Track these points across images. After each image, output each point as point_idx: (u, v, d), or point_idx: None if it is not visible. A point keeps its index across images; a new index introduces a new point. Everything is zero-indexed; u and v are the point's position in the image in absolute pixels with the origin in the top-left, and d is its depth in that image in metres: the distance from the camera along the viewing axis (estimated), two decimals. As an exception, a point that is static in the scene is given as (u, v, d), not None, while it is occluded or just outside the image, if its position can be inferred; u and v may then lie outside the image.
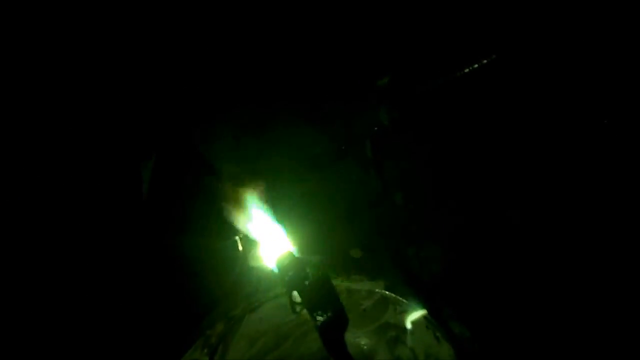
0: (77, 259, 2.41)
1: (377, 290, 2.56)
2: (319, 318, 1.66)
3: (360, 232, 2.79)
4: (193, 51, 2.63)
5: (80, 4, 2.40)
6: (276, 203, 2.36)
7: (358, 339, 2.58)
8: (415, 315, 2.27)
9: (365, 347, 2.58)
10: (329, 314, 1.66)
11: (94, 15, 2.42)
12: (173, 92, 2.61)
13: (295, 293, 1.77)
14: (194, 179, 2.51)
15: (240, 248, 2.09)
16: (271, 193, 2.42)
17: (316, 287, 1.71)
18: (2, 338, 2.23)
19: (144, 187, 2.46)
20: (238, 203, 1.95)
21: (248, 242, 2.06)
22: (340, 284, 2.56)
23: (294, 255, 1.85)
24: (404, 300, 2.51)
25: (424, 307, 2.34)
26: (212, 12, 2.60)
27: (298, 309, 1.76)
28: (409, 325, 2.25)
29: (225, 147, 2.57)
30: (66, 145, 2.54)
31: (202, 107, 2.64)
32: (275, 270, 1.85)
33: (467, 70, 2.75)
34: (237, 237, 2.09)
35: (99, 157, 2.51)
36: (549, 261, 2.46)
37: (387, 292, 2.53)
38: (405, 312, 2.51)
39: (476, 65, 2.72)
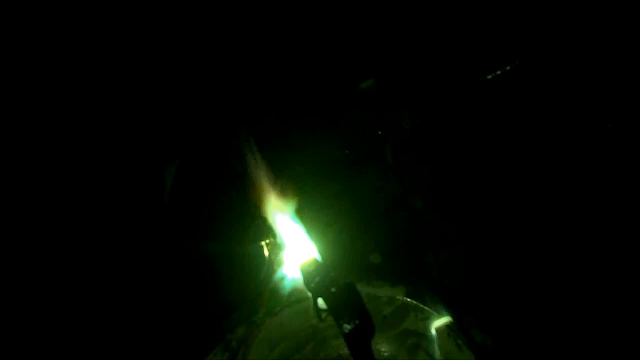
0: (100, 261, 2.43)
1: (398, 296, 2.55)
2: (346, 326, 1.65)
3: (380, 238, 2.78)
4: (219, 62, 2.66)
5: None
6: (298, 209, 2.37)
7: (378, 345, 2.57)
8: (438, 322, 2.26)
9: (385, 353, 2.57)
10: (356, 322, 1.65)
11: (124, 21, 2.46)
12: (197, 98, 2.63)
13: (320, 300, 1.77)
14: (219, 184, 2.52)
15: (267, 253, 2.10)
16: (294, 199, 2.44)
17: (342, 294, 1.72)
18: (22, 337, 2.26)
19: (166, 191, 2.48)
20: (264, 209, 1.96)
21: (274, 247, 2.07)
22: (360, 289, 2.55)
23: (319, 262, 1.86)
24: (425, 307, 2.50)
25: (446, 314, 2.33)
26: (236, 28, 2.64)
27: (323, 315, 1.76)
28: (432, 332, 2.23)
29: (248, 152, 2.58)
30: (90, 148, 2.57)
31: (226, 113, 2.66)
32: (301, 277, 1.86)
33: (489, 76, 2.75)
34: (263, 242, 2.10)
35: (124, 160, 2.53)
36: (573, 268, 2.44)
37: (408, 299, 2.52)
38: (426, 319, 2.50)
39: (499, 72, 2.72)
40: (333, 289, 1.71)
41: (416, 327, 2.57)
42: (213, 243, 2.40)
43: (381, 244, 2.75)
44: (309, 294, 1.92)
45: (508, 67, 2.74)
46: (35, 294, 2.38)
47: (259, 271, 2.33)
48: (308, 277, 1.79)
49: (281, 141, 2.71)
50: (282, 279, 2.32)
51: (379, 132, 2.89)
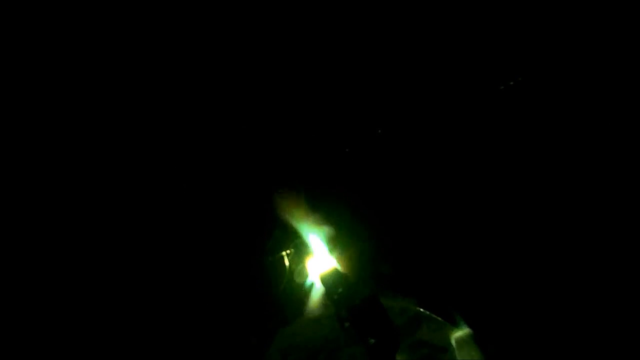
0: (109, 264, 2.43)
1: (410, 307, 2.56)
2: (370, 340, 1.65)
3: (391, 248, 2.78)
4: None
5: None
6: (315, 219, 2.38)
7: (391, 355, 2.58)
8: (458, 333, 2.27)
9: (398, 364, 2.58)
10: (380, 335, 1.65)
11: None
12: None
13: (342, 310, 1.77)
14: (239, 194, 2.53)
15: (287, 263, 2.11)
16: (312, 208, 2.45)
17: (366, 307, 1.71)
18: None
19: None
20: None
21: (295, 258, 2.07)
22: (373, 300, 2.56)
23: (341, 272, 1.86)
24: (438, 318, 2.51)
25: (460, 325, 2.35)
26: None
27: (346, 325, 1.76)
28: (452, 343, 2.25)
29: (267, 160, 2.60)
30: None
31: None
32: (322, 287, 1.86)
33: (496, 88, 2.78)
34: (284, 253, 2.10)
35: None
36: (584, 279, 2.45)
37: (420, 309, 2.54)
38: (439, 329, 2.51)
39: (502, 87, 2.75)
40: (358, 301, 1.71)
41: (429, 338, 2.58)
42: (232, 252, 2.40)
43: (392, 255, 2.75)
44: (329, 304, 1.92)
45: (511, 83, 2.78)
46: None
47: (279, 281, 2.32)
48: (331, 288, 1.79)
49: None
50: (299, 288, 2.32)
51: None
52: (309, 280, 2.13)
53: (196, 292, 2.41)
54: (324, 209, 2.59)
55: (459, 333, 2.29)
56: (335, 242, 2.34)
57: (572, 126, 2.76)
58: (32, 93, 2.49)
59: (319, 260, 2.07)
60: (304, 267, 2.05)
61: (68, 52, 2.45)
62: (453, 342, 2.28)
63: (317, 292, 2.01)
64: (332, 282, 1.81)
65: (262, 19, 2.75)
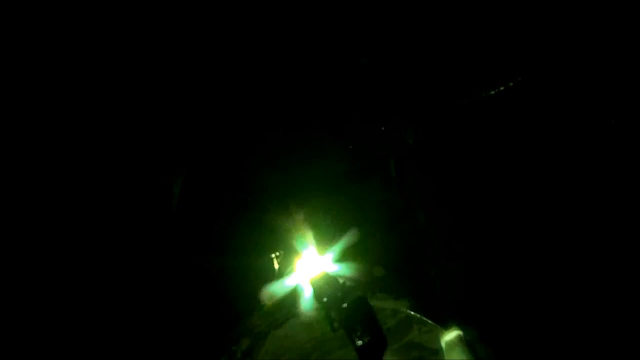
0: (107, 272, 2.43)
1: (401, 309, 2.57)
2: (358, 341, 1.66)
3: (383, 251, 2.79)
4: (223, 72, 2.69)
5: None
6: (305, 223, 2.39)
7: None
8: (448, 335, 2.28)
9: (389, 366, 2.59)
10: (368, 336, 1.67)
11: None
12: (204, 111, 2.65)
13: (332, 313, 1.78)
14: (228, 197, 2.54)
15: (276, 266, 2.12)
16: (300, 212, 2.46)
17: (355, 309, 1.73)
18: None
19: (173, 203, 2.49)
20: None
21: (284, 260, 2.08)
22: (364, 302, 2.57)
23: (330, 276, 1.87)
24: (429, 321, 2.52)
25: (450, 327, 2.36)
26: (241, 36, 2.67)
27: (336, 326, 1.77)
28: (442, 345, 2.26)
29: (256, 166, 2.61)
30: (98, 159, 2.58)
31: (232, 126, 2.68)
32: (311, 291, 1.87)
33: (492, 92, 2.79)
34: (273, 255, 2.11)
35: (131, 171, 2.53)
36: (576, 280, 2.47)
37: (411, 312, 2.55)
38: (430, 332, 2.52)
39: (502, 88, 2.76)
40: (345, 305, 1.72)
41: (420, 340, 2.59)
42: (221, 255, 2.41)
43: (384, 257, 2.76)
44: (319, 307, 1.93)
45: (510, 84, 2.79)
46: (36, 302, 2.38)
47: (267, 283, 2.33)
48: (319, 292, 1.80)
49: (289, 157, 2.73)
50: (289, 290, 2.33)
51: (383, 145, 2.92)
52: (298, 283, 2.13)
53: (181, 294, 2.41)
54: (315, 209, 2.61)
55: (450, 335, 2.29)
56: (326, 244, 2.36)
57: (569, 128, 2.77)
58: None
59: (309, 262, 2.07)
60: (293, 269, 2.05)
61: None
62: (443, 344, 2.29)
63: (308, 294, 2.02)
64: (321, 286, 1.82)
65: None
